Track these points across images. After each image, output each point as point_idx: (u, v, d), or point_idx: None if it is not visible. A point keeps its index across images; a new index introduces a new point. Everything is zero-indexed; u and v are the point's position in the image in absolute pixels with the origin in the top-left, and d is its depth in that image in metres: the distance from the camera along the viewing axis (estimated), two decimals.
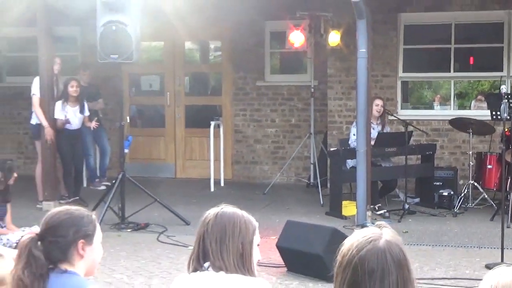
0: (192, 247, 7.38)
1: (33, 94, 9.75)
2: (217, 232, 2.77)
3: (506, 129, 9.43)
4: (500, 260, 6.51)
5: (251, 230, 2.83)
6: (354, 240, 2.12)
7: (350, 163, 9.34)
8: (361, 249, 2.09)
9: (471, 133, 9.51)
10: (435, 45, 11.23)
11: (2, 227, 7.41)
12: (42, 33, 9.74)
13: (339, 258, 2.13)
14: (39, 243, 2.88)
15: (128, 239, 7.71)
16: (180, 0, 9.53)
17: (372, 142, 8.97)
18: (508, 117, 8.18)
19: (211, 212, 2.85)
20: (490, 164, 9.50)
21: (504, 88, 7.93)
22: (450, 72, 11.20)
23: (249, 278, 2.72)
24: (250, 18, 11.41)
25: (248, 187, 11.33)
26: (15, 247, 6.65)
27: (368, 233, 2.12)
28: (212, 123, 11.57)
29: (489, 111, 9.80)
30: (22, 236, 7.35)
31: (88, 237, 3.01)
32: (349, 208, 8.84)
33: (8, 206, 7.59)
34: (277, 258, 6.26)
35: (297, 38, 10.96)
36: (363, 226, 8.18)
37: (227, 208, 2.86)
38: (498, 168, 9.39)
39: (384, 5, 9.88)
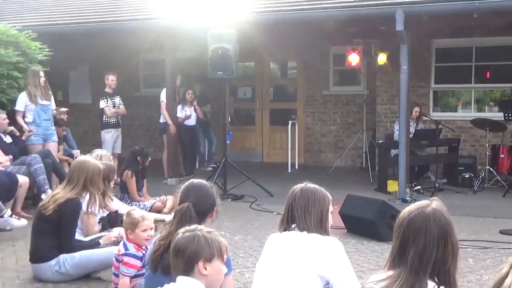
0: (276, 213, 7.54)
1: (162, 101, 10.01)
2: (302, 202, 2.80)
3: None
4: (511, 227, 6.43)
5: (327, 201, 2.87)
6: (409, 207, 2.19)
7: (393, 152, 9.26)
8: (411, 213, 2.15)
9: (487, 130, 9.31)
10: (460, 63, 11.01)
11: (140, 196, 7.63)
12: (168, 56, 10.01)
13: (397, 220, 2.20)
14: (192, 208, 3.05)
15: (229, 206, 7.77)
16: (266, 32, 9.64)
17: (411, 136, 8.90)
18: None
19: (298, 187, 2.89)
20: (502, 153, 9.29)
21: None
22: (471, 83, 10.96)
23: (325, 236, 2.78)
24: (319, 44, 11.41)
25: (316, 169, 11.34)
26: (150, 210, 6.98)
27: (420, 203, 2.19)
28: (290, 122, 11.67)
29: (500, 113, 9.64)
30: (154, 203, 7.70)
31: (217, 205, 3.21)
32: (392, 186, 8.76)
33: (145, 181, 7.84)
34: (339, 222, 6.29)
35: (353, 59, 10.94)
36: (403, 199, 8.16)
37: (310, 184, 2.91)
38: (509, 157, 9.25)
39: (421, 33, 9.74)
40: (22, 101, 7.79)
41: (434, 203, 2.17)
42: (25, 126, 7.67)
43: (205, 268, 2.34)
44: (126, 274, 4.04)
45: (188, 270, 2.33)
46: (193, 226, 2.47)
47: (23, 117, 7.82)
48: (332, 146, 12.32)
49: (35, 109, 7.83)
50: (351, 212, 6.29)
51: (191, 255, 2.34)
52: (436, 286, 2.07)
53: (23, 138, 7.74)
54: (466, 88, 11.22)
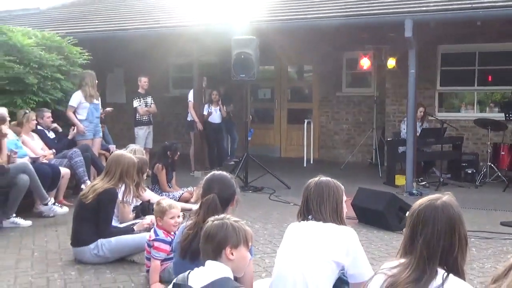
0: (292, 204, 7.50)
1: (189, 100, 10.04)
2: (317, 195, 2.77)
3: None
4: (511, 219, 6.32)
5: (341, 192, 2.84)
6: (421, 199, 2.16)
7: (401, 149, 9.16)
8: (421, 205, 2.12)
9: (489, 129, 9.16)
10: (463, 67, 10.85)
11: (170, 187, 7.66)
12: (195, 60, 10.04)
13: (409, 210, 2.17)
14: (217, 199, 3.05)
15: (250, 197, 7.79)
16: (284, 39, 9.61)
17: (417, 134, 8.79)
18: None
19: (312, 181, 2.86)
20: (503, 151, 9.12)
21: None
22: (474, 86, 10.80)
23: (341, 226, 2.75)
24: (333, 49, 11.36)
25: (329, 164, 11.29)
26: (178, 200, 7.00)
27: (432, 196, 2.15)
28: (305, 121, 11.64)
29: (500, 113, 9.49)
30: (182, 193, 7.71)
31: (237, 195, 3.20)
32: (400, 180, 8.68)
33: (174, 173, 7.87)
34: (351, 213, 6.24)
35: (365, 63, 10.88)
36: (410, 193, 8.07)
37: (323, 178, 2.88)
38: (509, 154, 9.08)
39: (427, 40, 9.60)
40: (77, 99, 7.89)
41: (445, 197, 2.14)
42: (81, 127, 7.81)
43: (232, 254, 2.37)
44: (157, 257, 4.06)
45: (216, 255, 2.36)
46: (222, 215, 2.49)
47: (75, 113, 7.95)
48: (344, 143, 12.24)
49: (89, 107, 7.95)
50: (362, 204, 6.24)
51: (220, 241, 2.37)
52: (446, 274, 2.03)
53: (69, 137, 7.83)
54: (469, 90, 11.08)
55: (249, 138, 9.50)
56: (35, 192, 6.20)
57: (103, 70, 11.88)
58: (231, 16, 9.53)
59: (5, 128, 6.06)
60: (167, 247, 4.07)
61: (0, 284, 4.15)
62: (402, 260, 2.11)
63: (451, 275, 2.03)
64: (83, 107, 7.93)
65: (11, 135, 6.45)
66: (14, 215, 5.97)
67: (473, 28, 8.40)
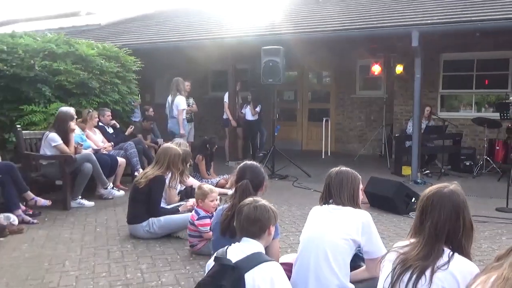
0: (312, 190, 7.43)
1: (225, 101, 10.05)
2: (337, 182, 2.73)
3: (510, 124, 8.88)
4: (505, 206, 6.15)
5: (358, 180, 2.79)
6: (431, 187, 2.11)
7: (407, 143, 8.99)
8: (430, 191, 2.08)
9: (485, 127, 8.93)
10: (463, 72, 10.59)
11: (208, 175, 7.69)
12: (230, 67, 10.04)
13: (420, 196, 2.12)
14: (249, 184, 3.04)
15: (276, 184, 7.77)
16: (306, 49, 9.52)
17: (422, 131, 8.62)
18: None
19: (334, 170, 2.81)
20: (497, 146, 8.88)
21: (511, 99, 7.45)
22: (472, 89, 10.54)
23: (357, 209, 2.72)
24: (347, 58, 11.22)
25: (344, 156, 11.17)
26: (215, 186, 7.02)
27: (440, 184, 2.10)
28: (324, 119, 11.53)
29: (495, 113, 9.24)
30: (219, 180, 7.71)
31: (266, 181, 3.18)
32: (406, 170, 8.52)
33: (212, 163, 7.90)
34: (364, 198, 6.15)
35: (376, 69, 10.71)
36: (415, 181, 7.92)
37: (343, 168, 2.82)
38: (503, 149, 8.85)
39: (432, 49, 9.43)
40: (185, 102, 8.53)
41: (452, 186, 2.09)
42: (183, 132, 8.36)
43: (271, 232, 2.43)
44: (205, 231, 4.10)
45: (261, 234, 2.39)
46: (257, 198, 2.50)
47: (170, 113, 8.51)
48: (357, 138, 12.09)
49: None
50: (373, 190, 6.15)
51: (265, 222, 2.40)
52: (451, 252, 1.99)
53: (126, 133, 7.93)
54: (468, 93, 10.81)
55: (275, 134, 9.47)
56: (97, 178, 6.31)
57: (152, 75, 11.99)
58: (261, 29, 9.49)
59: (73, 124, 6.17)
60: (208, 221, 4.12)
61: (69, 253, 4.24)
62: (413, 240, 2.07)
63: (456, 254, 1.99)
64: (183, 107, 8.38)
65: (77, 130, 6.57)
66: (80, 197, 6.09)
67: (472, 38, 8.19)
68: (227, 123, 10.17)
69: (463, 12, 8.22)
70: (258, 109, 10.78)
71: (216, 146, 7.92)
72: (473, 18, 7.69)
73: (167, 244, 4.51)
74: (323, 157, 11.09)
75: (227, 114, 10.04)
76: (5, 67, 6.72)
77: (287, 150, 10.54)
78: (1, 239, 4.59)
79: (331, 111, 12.36)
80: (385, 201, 5.91)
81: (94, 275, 3.70)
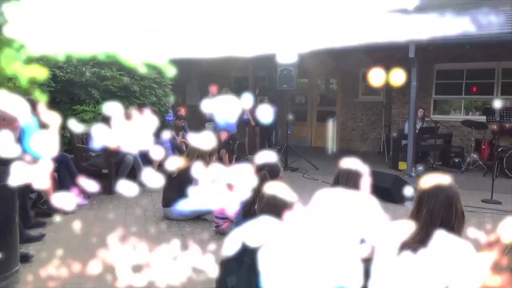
0: (320, 180, 7.34)
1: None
2: (345, 174, 2.69)
3: (495, 127, 8.67)
4: (490, 197, 6.01)
5: (362, 174, 2.75)
6: (425, 179, 2.07)
7: (403, 142, 8.86)
8: (427, 184, 2.03)
9: (473, 128, 8.73)
10: (454, 80, 10.38)
11: None
12: (250, 74, 10.02)
13: (418, 187, 2.08)
14: (268, 174, 3.03)
15: (288, 175, 7.73)
16: (315, 59, 9.43)
17: (417, 131, 8.48)
18: (498, 119, 7.62)
19: (342, 163, 2.78)
20: (484, 145, 8.69)
21: (497, 104, 7.28)
22: (462, 95, 10.30)
23: None
24: (352, 66, 11.06)
25: (347, 152, 10.95)
26: None
27: (435, 177, 2.04)
28: (330, 119, 11.46)
29: (482, 116, 9.05)
30: None
31: (281, 172, 3.15)
32: (402, 165, 8.42)
33: (234, 157, 7.91)
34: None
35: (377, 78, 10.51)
36: (409, 175, 7.80)
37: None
38: (488, 148, 8.65)
39: (426, 59, 9.24)
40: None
41: (445, 179, 2.04)
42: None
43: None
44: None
45: (278, 217, 2.35)
46: (280, 187, 2.47)
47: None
48: (359, 137, 11.94)
49: None
50: (373, 182, 6.02)
51: (282, 207, 2.34)
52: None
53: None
54: (457, 98, 10.59)
55: (289, 132, 9.44)
56: (137, 167, 6.37)
57: (183, 80, 12.06)
58: (278, 43, 9.43)
59: None
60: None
61: (113, 231, 4.29)
62: None
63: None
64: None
65: None
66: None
67: (463, 50, 8.02)
68: (246, 123, 10.15)
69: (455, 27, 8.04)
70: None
71: (238, 142, 7.92)
72: (465, 33, 7.46)
73: (196, 225, 4.54)
74: (329, 153, 10.99)
75: (247, 115, 10.03)
76: (61, 74, 6.83)
77: (299, 146, 10.50)
78: (58, 219, 4.67)
79: (337, 113, 12.23)
80: (384, 191, 5.83)
81: (134, 250, 3.73)
